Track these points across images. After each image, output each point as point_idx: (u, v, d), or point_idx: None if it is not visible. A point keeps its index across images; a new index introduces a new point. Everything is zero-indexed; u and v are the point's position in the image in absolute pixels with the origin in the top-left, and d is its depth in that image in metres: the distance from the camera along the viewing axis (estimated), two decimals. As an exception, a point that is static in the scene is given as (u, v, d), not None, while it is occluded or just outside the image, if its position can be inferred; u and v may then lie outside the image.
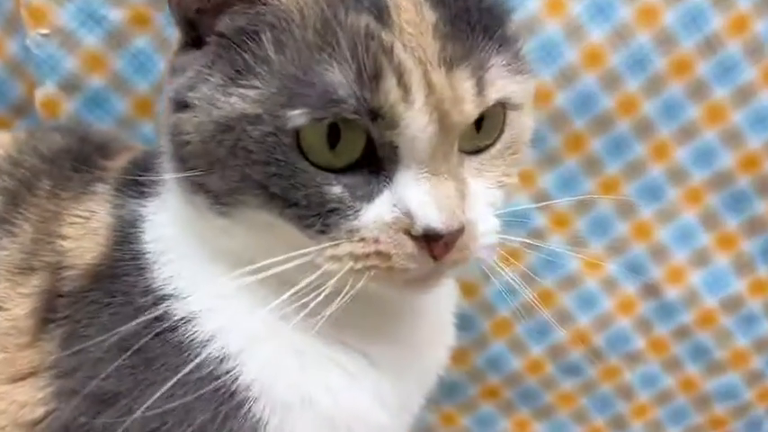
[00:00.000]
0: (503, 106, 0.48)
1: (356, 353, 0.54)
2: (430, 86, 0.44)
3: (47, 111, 0.78)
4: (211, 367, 0.50)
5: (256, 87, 0.45)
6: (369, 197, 0.46)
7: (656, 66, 0.77)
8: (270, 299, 0.48)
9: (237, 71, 0.46)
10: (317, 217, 0.46)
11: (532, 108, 0.55)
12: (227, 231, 0.50)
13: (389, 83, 0.43)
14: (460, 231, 0.46)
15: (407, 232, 0.46)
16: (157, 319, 0.50)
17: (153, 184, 0.58)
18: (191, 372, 0.48)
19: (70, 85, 0.78)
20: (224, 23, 0.47)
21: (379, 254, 0.46)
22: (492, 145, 0.50)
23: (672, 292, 0.82)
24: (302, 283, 0.46)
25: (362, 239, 0.46)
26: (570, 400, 0.87)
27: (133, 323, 0.49)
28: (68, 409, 0.51)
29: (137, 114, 0.79)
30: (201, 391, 0.49)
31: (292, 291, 0.47)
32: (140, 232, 0.57)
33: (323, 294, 0.46)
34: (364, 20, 0.45)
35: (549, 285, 0.82)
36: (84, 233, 0.55)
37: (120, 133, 0.77)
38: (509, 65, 0.50)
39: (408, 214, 0.46)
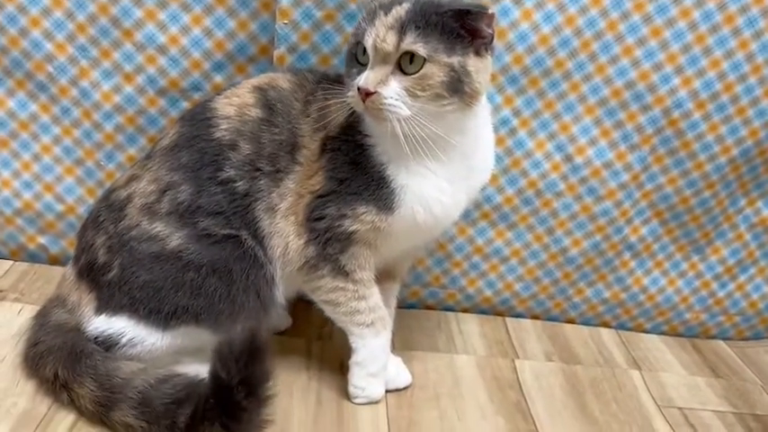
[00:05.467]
0: (423, 58, 1.09)
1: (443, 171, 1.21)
2: (376, 37, 1.09)
3: (279, 62, 1.41)
4: (379, 166, 1.19)
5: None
6: (359, 74, 1.12)
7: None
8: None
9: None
10: (349, 78, 1.16)
11: (443, 70, 1.10)
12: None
13: (366, 36, 1.11)
14: (371, 93, 1.09)
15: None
16: (359, 144, 1.21)
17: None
18: (372, 167, 1.20)
19: (291, 50, 1.41)
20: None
21: (355, 92, 1.11)
22: (413, 74, 1.10)
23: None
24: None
25: (352, 88, 1.12)
26: (526, 219, 1.61)
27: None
28: (325, 182, 1.22)
29: (321, 66, 1.44)
30: (374, 177, 1.20)
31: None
32: None
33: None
34: (366, 24, 1.12)
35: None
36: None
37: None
38: (421, 40, 1.08)
39: (360, 81, 1.10)
